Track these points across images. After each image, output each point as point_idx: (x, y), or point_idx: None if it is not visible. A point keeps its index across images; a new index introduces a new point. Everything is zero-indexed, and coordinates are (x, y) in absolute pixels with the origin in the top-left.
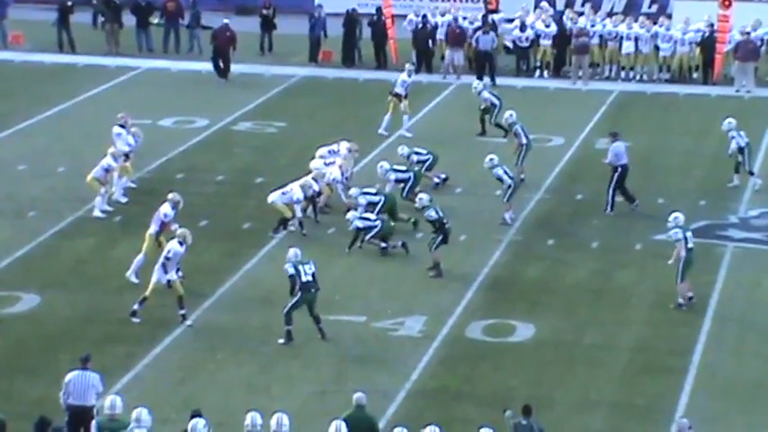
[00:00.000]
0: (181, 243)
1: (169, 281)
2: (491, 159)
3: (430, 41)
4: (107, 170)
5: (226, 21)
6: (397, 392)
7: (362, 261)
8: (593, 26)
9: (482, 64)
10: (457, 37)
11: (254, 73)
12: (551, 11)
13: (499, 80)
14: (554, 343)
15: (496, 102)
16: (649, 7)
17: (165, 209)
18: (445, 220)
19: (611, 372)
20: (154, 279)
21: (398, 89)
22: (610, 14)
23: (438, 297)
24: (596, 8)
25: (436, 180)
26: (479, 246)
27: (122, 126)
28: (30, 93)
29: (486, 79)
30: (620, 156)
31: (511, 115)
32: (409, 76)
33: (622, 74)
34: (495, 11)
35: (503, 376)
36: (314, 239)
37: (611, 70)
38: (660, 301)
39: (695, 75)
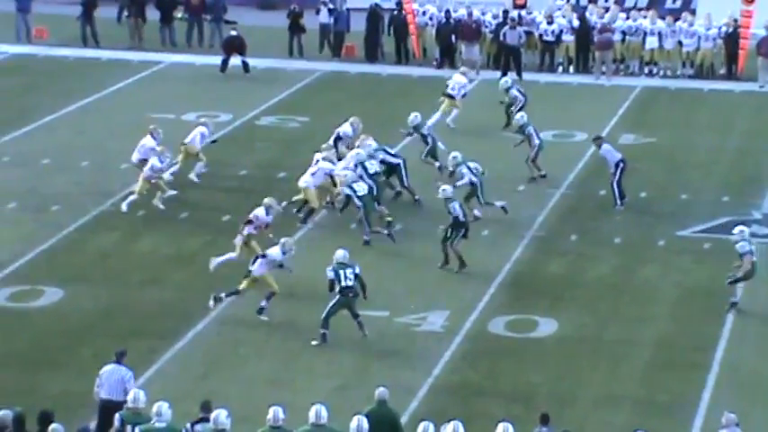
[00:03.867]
0: (284, 253)
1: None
2: (454, 157)
3: (453, 36)
4: (154, 170)
5: (233, 32)
6: (420, 387)
7: (385, 256)
8: (614, 22)
9: (508, 59)
10: (472, 32)
11: (278, 68)
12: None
13: (523, 76)
14: (576, 338)
15: (522, 99)
16: (673, 3)
17: (259, 212)
18: (465, 216)
19: (633, 368)
20: (268, 278)
21: (453, 91)
22: (629, 9)
23: (461, 292)
24: (620, 3)
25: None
26: (502, 241)
27: (153, 138)
28: (53, 87)
29: (512, 75)
30: (614, 154)
31: (522, 117)
32: (470, 82)
33: (646, 69)
34: (523, 6)
35: (525, 372)
36: (336, 234)
37: (634, 66)
38: (683, 297)
39: (722, 70)
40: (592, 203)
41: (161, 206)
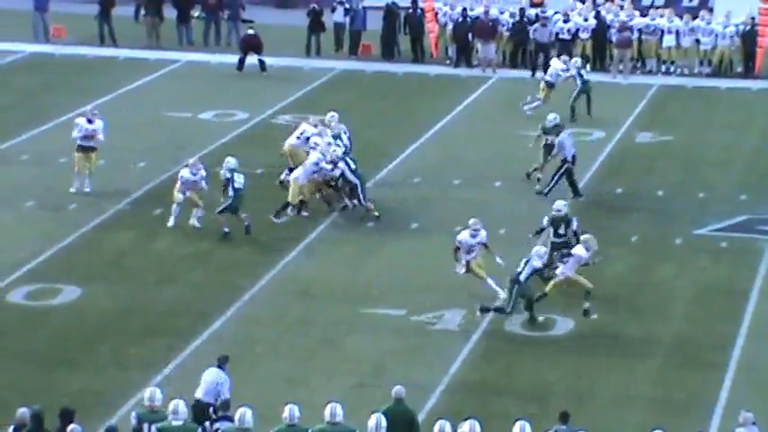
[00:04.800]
0: (587, 250)
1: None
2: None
3: (470, 35)
4: (185, 182)
5: (250, 31)
6: (436, 386)
7: (401, 254)
8: (631, 20)
9: (537, 56)
10: (488, 30)
11: (294, 66)
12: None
13: (539, 74)
14: (593, 337)
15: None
16: (690, 1)
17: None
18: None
19: (650, 366)
20: (578, 278)
21: (551, 78)
22: (647, 8)
23: (477, 290)
24: (636, 2)
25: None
26: (518, 240)
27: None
28: (71, 86)
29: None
30: (570, 147)
31: (555, 117)
32: (567, 70)
33: (663, 68)
34: (540, 4)
35: (542, 370)
36: (352, 233)
37: (651, 64)
38: (700, 296)
39: (739, 69)
40: (608, 202)
41: (197, 225)
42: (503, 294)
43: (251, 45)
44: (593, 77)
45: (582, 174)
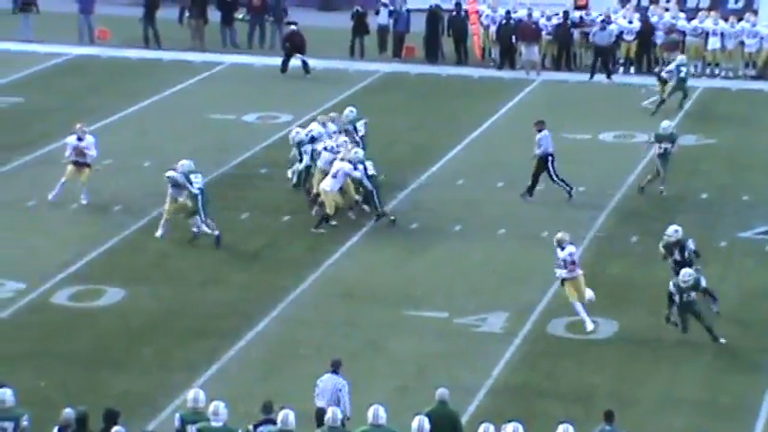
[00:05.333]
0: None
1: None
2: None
3: (513, 37)
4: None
5: (293, 27)
6: (479, 388)
7: (444, 257)
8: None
9: (597, 60)
10: (532, 32)
11: (338, 68)
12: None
13: (582, 76)
14: (637, 340)
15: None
16: (736, 3)
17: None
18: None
19: (694, 369)
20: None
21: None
22: (692, 10)
23: (520, 293)
24: (682, 4)
25: None
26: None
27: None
28: (116, 88)
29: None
30: (549, 145)
31: (669, 125)
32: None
33: (707, 70)
34: (585, 7)
35: (585, 373)
36: (395, 235)
37: (696, 67)
38: (745, 299)
39: None
40: (653, 204)
41: (196, 230)
42: (590, 326)
43: (294, 43)
44: (638, 80)
45: (626, 176)
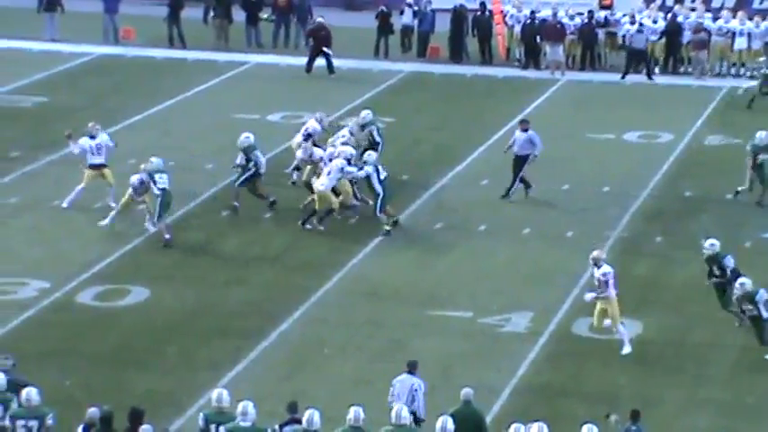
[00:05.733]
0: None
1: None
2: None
3: (537, 37)
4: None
5: (320, 19)
6: (504, 388)
7: (468, 256)
8: (700, 18)
9: (631, 62)
10: (556, 32)
11: (362, 68)
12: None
13: (607, 76)
14: (662, 341)
15: None
16: (761, 3)
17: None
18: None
19: (719, 370)
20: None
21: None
22: (717, 9)
23: (544, 293)
24: (707, 4)
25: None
26: (586, 242)
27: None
28: (140, 88)
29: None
30: (525, 145)
31: (766, 136)
32: None
33: (732, 70)
34: (609, 6)
35: (610, 373)
36: (419, 235)
37: (722, 67)
38: None
39: None
40: (677, 205)
41: (151, 228)
42: (627, 348)
43: (319, 37)
44: (664, 80)
45: (651, 176)
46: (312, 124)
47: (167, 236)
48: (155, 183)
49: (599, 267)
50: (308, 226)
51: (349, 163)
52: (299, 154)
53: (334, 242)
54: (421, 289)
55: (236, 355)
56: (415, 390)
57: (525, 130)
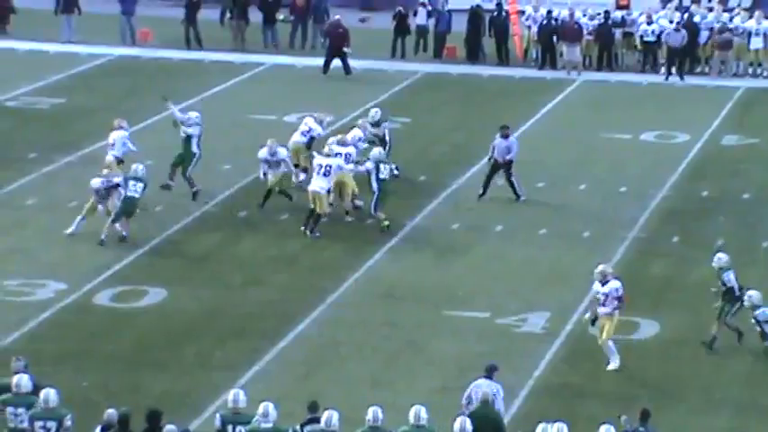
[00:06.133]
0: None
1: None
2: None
3: (554, 37)
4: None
5: (337, 17)
6: (521, 389)
7: (485, 257)
8: (718, 22)
9: (671, 61)
10: (573, 33)
11: (379, 69)
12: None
13: (625, 76)
14: (678, 341)
15: None
16: None
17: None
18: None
19: (735, 371)
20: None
21: None
22: (733, 9)
23: (561, 294)
24: (723, 3)
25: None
26: (603, 242)
27: None
28: (157, 89)
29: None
30: (503, 150)
31: None
32: None
33: (750, 70)
34: (626, 7)
35: (626, 374)
36: (436, 235)
37: (738, 66)
38: None
39: None
40: (694, 205)
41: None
42: (614, 364)
43: (337, 34)
44: (680, 80)
45: (667, 176)
46: (311, 124)
47: (124, 233)
48: (126, 188)
49: (605, 283)
50: (317, 233)
51: (347, 161)
52: (263, 153)
53: (351, 243)
54: (437, 289)
55: (252, 355)
56: (494, 393)
57: (506, 137)
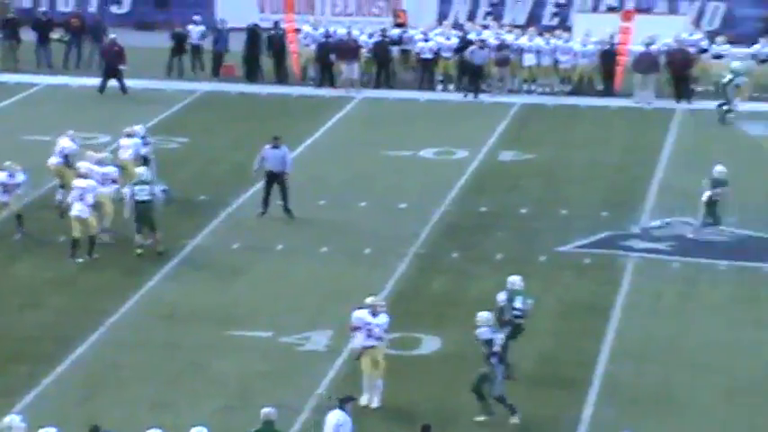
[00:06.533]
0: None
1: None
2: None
3: (332, 55)
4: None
5: (113, 36)
6: (303, 407)
7: (267, 276)
8: (496, 39)
9: (473, 78)
10: (351, 50)
11: (156, 88)
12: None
13: (403, 93)
14: (459, 355)
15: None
16: (550, 20)
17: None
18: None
19: (517, 383)
20: None
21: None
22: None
23: (344, 311)
24: (498, 20)
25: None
26: (384, 259)
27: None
28: None
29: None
30: (276, 162)
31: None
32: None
33: (524, 86)
34: (403, 25)
35: (406, 390)
36: (217, 255)
37: (513, 83)
38: (564, 312)
39: (600, 87)
40: (473, 220)
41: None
42: (376, 402)
43: (112, 53)
44: (457, 97)
45: (447, 192)
46: (63, 143)
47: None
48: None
49: (376, 316)
50: (95, 255)
51: (104, 183)
52: (2, 177)
53: (131, 264)
54: (219, 309)
55: (30, 380)
56: (340, 426)
57: (276, 147)
